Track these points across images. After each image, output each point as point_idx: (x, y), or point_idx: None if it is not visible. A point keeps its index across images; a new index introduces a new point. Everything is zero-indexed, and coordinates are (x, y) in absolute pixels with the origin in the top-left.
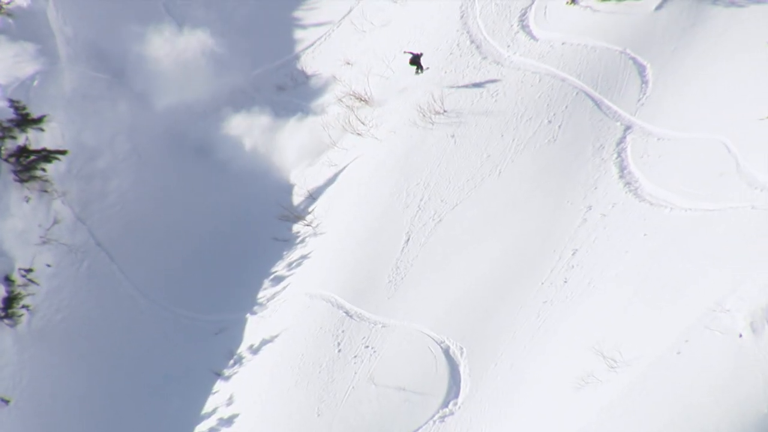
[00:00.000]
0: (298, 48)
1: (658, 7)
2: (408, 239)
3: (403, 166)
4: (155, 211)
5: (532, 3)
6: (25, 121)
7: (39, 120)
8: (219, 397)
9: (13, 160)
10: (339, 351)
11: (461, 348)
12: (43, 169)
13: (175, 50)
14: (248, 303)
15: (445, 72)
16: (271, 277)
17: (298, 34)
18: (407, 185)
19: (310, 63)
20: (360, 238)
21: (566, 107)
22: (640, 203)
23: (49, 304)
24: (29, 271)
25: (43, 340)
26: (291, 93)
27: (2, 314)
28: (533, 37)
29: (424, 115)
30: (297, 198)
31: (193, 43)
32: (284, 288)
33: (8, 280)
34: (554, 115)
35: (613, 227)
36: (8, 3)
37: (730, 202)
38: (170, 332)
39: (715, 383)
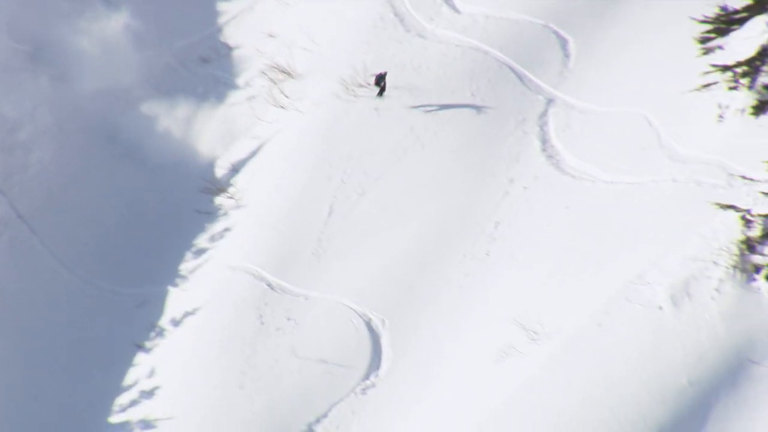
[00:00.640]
0: (221, 20)
1: None
2: (331, 211)
3: (326, 139)
4: (77, 184)
5: None
6: None
7: None
8: (140, 370)
9: None
10: (261, 323)
11: (383, 320)
12: None
13: (98, 24)
14: (170, 275)
15: (368, 45)
16: (193, 249)
17: (221, 5)
18: (330, 158)
19: (233, 35)
20: (283, 210)
21: (489, 80)
22: (562, 176)
23: None
24: None
25: None
26: (214, 65)
27: None
28: (456, 11)
29: (347, 88)
30: (220, 170)
31: (116, 17)
32: (206, 260)
33: None
34: (477, 88)
35: (535, 200)
36: None
37: (652, 176)
38: (91, 305)
39: (636, 355)
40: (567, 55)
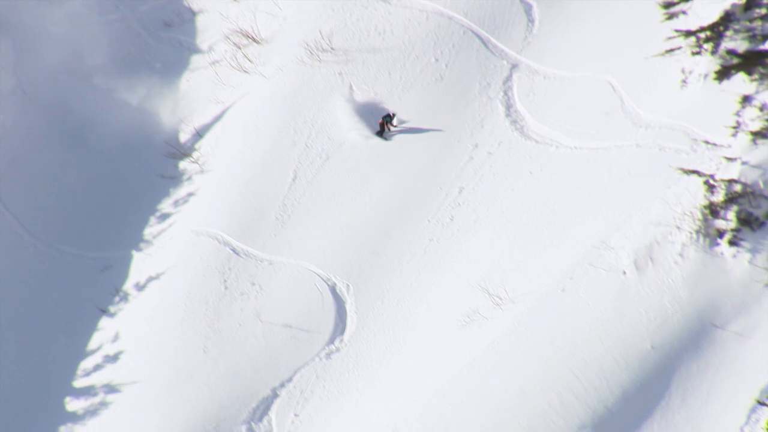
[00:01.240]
0: None
1: None
2: (295, 177)
3: (291, 104)
4: (40, 148)
5: None
6: None
7: None
8: (104, 334)
9: None
10: (225, 288)
11: (348, 285)
12: None
13: None
14: (134, 240)
15: (333, 10)
16: (158, 214)
17: None
18: (294, 123)
19: None
20: (247, 175)
21: (453, 46)
22: (526, 141)
23: None
24: None
25: None
26: (178, 30)
27: None
28: None
29: (311, 53)
30: (183, 135)
31: None
32: (170, 225)
33: None
34: (441, 53)
35: (500, 165)
36: None
37: (615, 141)
38: (55, 269)
39: (599, 320)
40: (531, 21)
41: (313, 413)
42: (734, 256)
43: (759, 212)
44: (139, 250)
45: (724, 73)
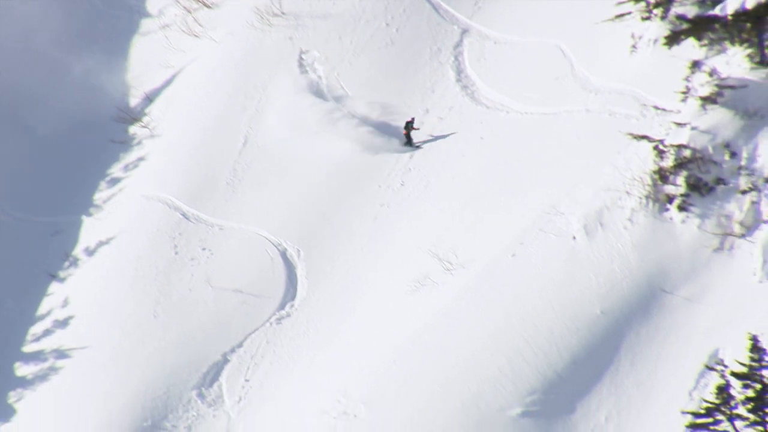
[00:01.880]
0: None
1: None
2: (245, 142)
3: (241, 69)
4: None
5: None
6: None
7: None
8: (54, 299)
9: None
10: (176, 253)
11: (298, 250)
12: None
13: None
14: (84, 205)
15: None
16: (108, 179)
17: None
18: (245, 88)
19: None
20: (197, 140)
21: (404, 10)
22: (477, 107)
23: None
24: None
25: None
26: None
27: None
28: None
29: (262, 17)
30: (134, 100)
31: None
32: (121, 190)
33: None
34: (392, 18)
35: (450, 130)
36: None
37: (565, 106)
38: (5, 234)
39: (549, 285)
40: None
41: (263, 378)
42: (683, 221)
43: (708, 178)
44: (89, 215)
45: (673, 39)
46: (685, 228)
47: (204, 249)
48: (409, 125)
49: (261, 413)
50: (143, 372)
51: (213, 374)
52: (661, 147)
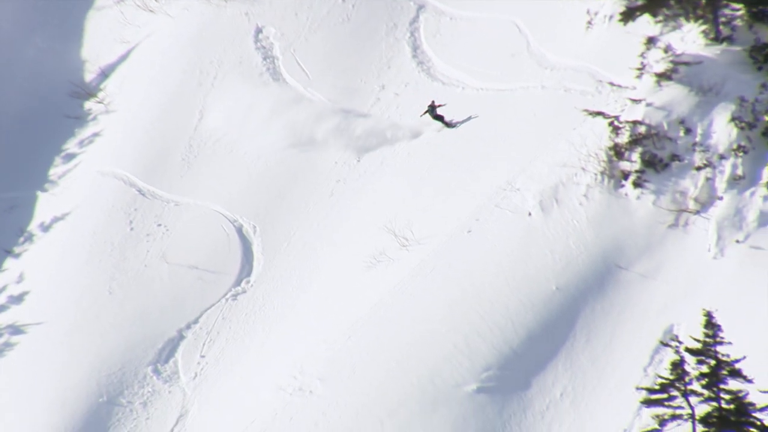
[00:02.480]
0: None
1: None
2: (201, 117)
3: (197, 44)
4: None
5: None
6: None
7: None
8: (9, 275)
9: None
10: (131, 229)
11: (254, 226)
12: None
13: None
14: (39, 180)
15: None
16: (62, 154)
17: None
18: (200, 63)
19: None
20: (153, 115)
21: None
22: (433, 83)
23: None
24: None
25: None
26: None
27: None
28: None
29: None
30: (89, 75)
31: None
32: (76, 165)
33: None
34: None
35: (406, 106)
36: None
37: (521, 82)
38: None
39: (505, 261)
40: None
41: (219, 355)
42: (638, 197)
43: (663, 154)
44: (44, 190)
45: (629, 15)
46: (640, 204)
47: (159, 225)
48: (433, 108)
49: (217, 389)
50: (98, 348)
51: (169, 350)
52: (616, 123)
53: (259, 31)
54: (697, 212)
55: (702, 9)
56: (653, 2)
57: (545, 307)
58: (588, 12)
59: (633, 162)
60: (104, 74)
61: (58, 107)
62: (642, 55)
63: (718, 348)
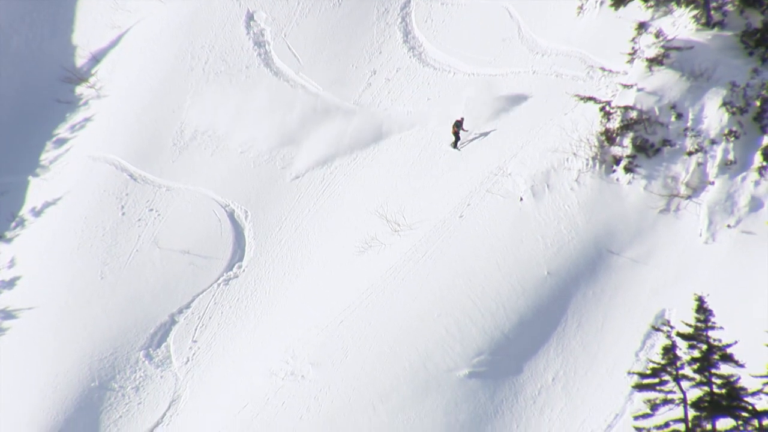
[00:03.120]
0: None
1: None
2: (192, 103)
3: (188, 29)
4: None
5: None
6: None
7: None
8: (0, 260)
9: None
10: (123, 214)
11: (246, 211)
12: None
13: None
14: (30, 165)
15: None
16: (54, 139)
17: None
18: (192, 48)
19: None
20: (144, 101)
21: None
22: (424, 68)
23: None
24: None
25: None
26: None
27: None
28: None
29: None
30: (80, 60)
31: None
32: (67, 151)
33: None
34: None
35: (397, 92)
36: None
37: (513, 67)
38: None
39: (497, 246)
40: None
41: (211, 339)
42: (630, 182)
43: (654, 139)
44: (35, 175)
45: (620, 0)
46: (632, 189)
47: (151, 210)
48: (458, 125)
49: (209, 374)
50: (90, 333)
51: (161, 335)
52: (607, 108)
53: (250, 16)
54: (689, 197)
55: None
56: None
57: (537, 293)
58: None
59: (624, 147)
60: (95, 59)
61: (49, 92)
62: (633, 41)
63: (710, 333)
